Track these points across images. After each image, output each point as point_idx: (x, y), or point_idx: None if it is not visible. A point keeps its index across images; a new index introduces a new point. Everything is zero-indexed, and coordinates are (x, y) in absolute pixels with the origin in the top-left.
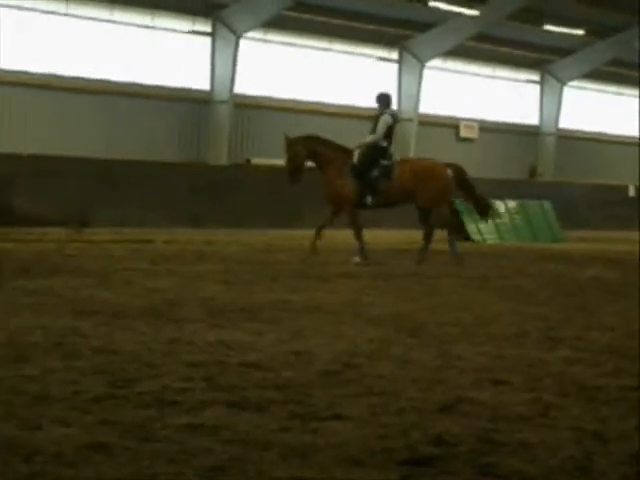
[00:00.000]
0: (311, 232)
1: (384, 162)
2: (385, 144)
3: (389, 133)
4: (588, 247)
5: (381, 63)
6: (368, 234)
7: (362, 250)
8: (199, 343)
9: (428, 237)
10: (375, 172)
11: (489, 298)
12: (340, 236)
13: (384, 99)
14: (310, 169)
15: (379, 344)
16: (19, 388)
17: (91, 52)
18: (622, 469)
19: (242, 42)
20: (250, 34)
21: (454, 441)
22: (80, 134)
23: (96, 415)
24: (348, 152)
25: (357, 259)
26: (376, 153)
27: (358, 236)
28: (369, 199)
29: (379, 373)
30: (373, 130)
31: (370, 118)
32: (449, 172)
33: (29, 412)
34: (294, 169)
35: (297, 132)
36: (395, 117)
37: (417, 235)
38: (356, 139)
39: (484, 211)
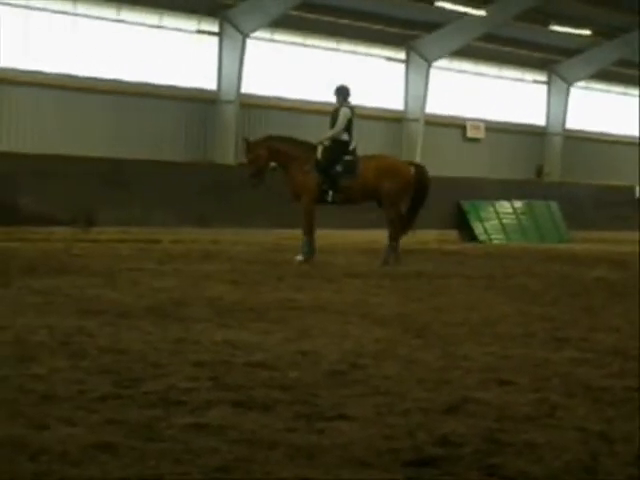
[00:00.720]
0: (319, 232)
1: (347, 158)
2: (346, 138)
3: (348, 127)
4: (594, 248)
5: (388, 63)
6: (372, 235)
7: (308, 247)
8: (205, 343)
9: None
10: (338, 168)
11: (495, 298)
12: (345, 236)
13: (343, 92)
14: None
15: (385, 344)
16: (25, 387)
17: (98, 51)
18: (628, 470)
19: (249, 42)
20: (257, 34)
21: (460, 442)
22: (87, 133)
23: (102, 414)
24: (311, 147)
25: (300, 257)
26: (339, 148)
27: (308, 231)
28: (330, 195)
29: (385, 373)
30: (333, 124)
31: (323, 113)
32: (412, 170)
33: (35, 411)
34: (256, 172)
35: (304, 132)
36: (353, 110)
37: (423, 236)
38: (362, 138)
39: (407, 225)
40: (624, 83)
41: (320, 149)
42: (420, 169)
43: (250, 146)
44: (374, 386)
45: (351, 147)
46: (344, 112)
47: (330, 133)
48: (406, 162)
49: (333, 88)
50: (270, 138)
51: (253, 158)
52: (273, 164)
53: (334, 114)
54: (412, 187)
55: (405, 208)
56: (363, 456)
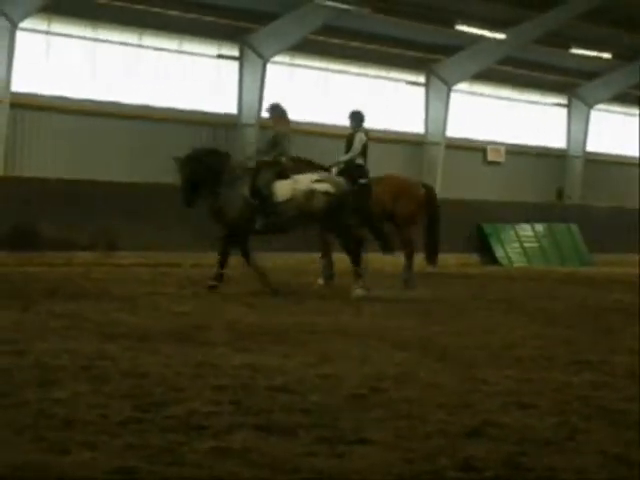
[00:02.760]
0: (339, 256)
1: (362, 181)
2: (361, 162)
3: (364, 151)
4: (615, 271)
5: (408, 87)
6: (391, 258)
7: (328, 270)
8: (226, 366)
9: (410, 256)
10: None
11: (515, 322)
12: (365, 259)
13: (357, 117)
14: None
15: (405, 368)
16: (47, 412)
17: (118, 76)
18: None
19: (269, 66)
20: (277, 58)
21: (480, 466)
22: (107, 158)
23: (123, 439)
24: (327, 170)
25: (320, 281)
26: (354, 172)
27: (324, 254)
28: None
29: (405, 397)
30: (348, 149)
31: (343, 137)
32: (422, 191)
33: (57, 436)
34: None
35: (325, 156)
36: (368, 134)
37: (444, 259)
38: (382, 162)
39: (431, 254)
40: None
41: (335, 173)
42: (429, 190)
43: None
44: (394, 410)
45: (365, 170)
46: (360, 137)
47: (345, 157)
48: (417, 182)
49: (348, 113)
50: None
51: None
52: None
53: (349, 138)
54: (424, 207)
55: (422, 233)
56: None
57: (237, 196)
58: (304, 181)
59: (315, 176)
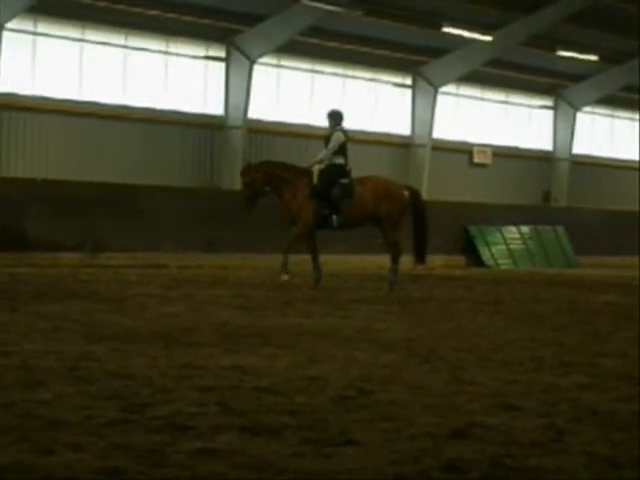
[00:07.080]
0: (327, 258)
1: (344, 181)
2: (342, 162)
3: (343, 150)
4: (602, 273)
5: (395, 88)
6: (379, 260)
7: (317, 270)
8: (213, 368)
9: (396, 259)
10: (336, 191)
11: (502, 324)
12: (353, 262)
13: (336, 116)
14: None
15: (392, 370)
16: (32, 413)
17: (105, 77)
18: None
19: (256, 67)
20: (264, 59)
21: (467, 467)
22: (94, 159)
23: (109, 440)
24: (306, 173)
25: (316, 276)
26: (335, 172)
27: (313, 256)
28: (333, 219)
29: (392, 399)
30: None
31: (324, 138)
32: (405, 193)
33: (42, 437)
34: (251, 196)
35: (311, 158)
36: (346, 134)
37: (430, 261)
38: (369, 163)
39: (420, 253)
40: (631, 108)
41: (316, 173)
42: (414, 193)
43: (246, 169)
44: (381, 411)
45: (346, 170)
46: (337, 136)
47: (320, 156)
48: (400, 185)
49: (326, 112)
50: (265, 163)
51: (249, 181)
52: (268, 188)
53: (327, 138)
54: (407, 209)
55: (411, 235)
56: None
57: None
58: None
59: None
